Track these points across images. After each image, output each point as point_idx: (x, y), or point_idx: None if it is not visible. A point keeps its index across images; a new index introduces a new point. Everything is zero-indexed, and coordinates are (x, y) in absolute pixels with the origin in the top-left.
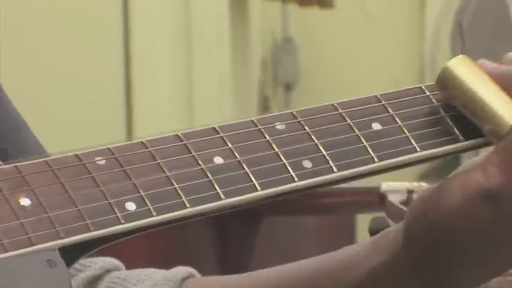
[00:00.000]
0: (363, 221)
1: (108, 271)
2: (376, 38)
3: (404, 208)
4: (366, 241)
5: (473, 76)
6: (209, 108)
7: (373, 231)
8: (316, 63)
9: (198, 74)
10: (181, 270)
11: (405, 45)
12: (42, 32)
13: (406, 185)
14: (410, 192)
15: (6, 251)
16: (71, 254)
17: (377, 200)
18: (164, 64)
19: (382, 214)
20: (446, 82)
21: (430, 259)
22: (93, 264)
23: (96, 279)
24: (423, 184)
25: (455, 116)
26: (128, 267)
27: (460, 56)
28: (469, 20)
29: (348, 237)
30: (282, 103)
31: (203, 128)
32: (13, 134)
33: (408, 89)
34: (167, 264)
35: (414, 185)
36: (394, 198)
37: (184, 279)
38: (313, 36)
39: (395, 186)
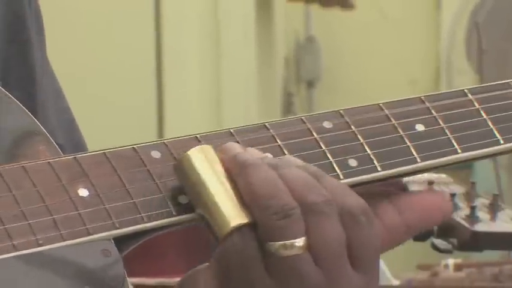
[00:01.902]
0: None
1: None
2: (394, 37)
3: None
4: None
5: (207, 168)
6: (235, 104)
7: None
8: (337, 62)
9: (225, 72)
10: None
11: (422, 45)
12: (76, 34)
13: (426, 176)
14: (430, 183)
15: (64, 240)
16: (124, 243)
17: (398, 190)
18: (193, 63)
19: None
20: (182, 170)
21: None
22: None
23: None
24: (443, 175)
25: (496, 118)
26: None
27: (203, 146)
28: (484, 20)
29: None
30: (304, 100)
31: (254, 124)
32: (68, 130)
33: (451, 92)
34: (195, 254)
35: (435, 176)
36: (415, 189)
37: None
38: (334, 36)
39: (416, 177)
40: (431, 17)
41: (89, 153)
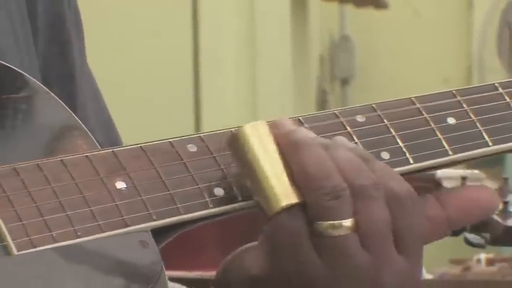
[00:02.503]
0: None
1: None
2: (426, 36)
3: None
4: None
5: (261, 145)
6: (271, 101)
7: None
8: (371, 60)
9: (261, 71)
10: None
11: (454, 44)
12: (115, 35)
13: (460, 172)
14: (463, 178)
15: (102, 231)
16: (161, 234)
17: (432, 185)
18: (230, 62)
19: None
20: (236, 145)
21: None
22: None
23: None
24: (476, 171)
25: None
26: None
27: (257, 122)
28: None
29: None
30: (338, 97)
31: (289, 118)
32: (106, 129)
33: (481, 86)
34: (237, 244)
35: (468, 172)
36: (449, 185)
37: None
38: (368, 35)
39: (450, 173)
40: (463, 16)
41: (126, 147)
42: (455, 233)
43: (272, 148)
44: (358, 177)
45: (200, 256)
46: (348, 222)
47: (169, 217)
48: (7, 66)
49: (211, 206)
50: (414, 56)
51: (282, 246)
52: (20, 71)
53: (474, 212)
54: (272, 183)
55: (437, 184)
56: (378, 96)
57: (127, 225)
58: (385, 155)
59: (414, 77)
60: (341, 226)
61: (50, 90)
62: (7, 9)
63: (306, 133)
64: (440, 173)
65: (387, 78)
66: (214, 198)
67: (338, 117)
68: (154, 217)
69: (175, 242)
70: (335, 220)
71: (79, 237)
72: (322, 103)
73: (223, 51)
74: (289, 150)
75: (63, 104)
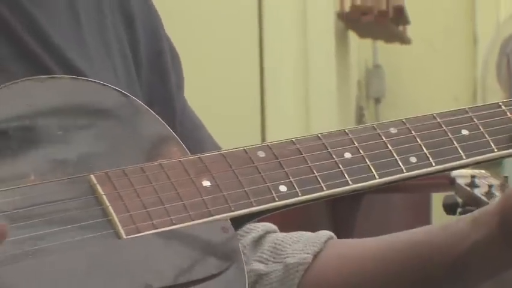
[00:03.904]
0: (436, 198)
1: (268, 232)
2: (440, 64)
3: (468, 188)
4: (466, 217)
5: None
6: (320, 116)
7: (445, 205)
8: (398, 83)
9: (313, 92)
10: (324, 234)
11: (462, 70)
12: (187, 54)
13: (470, 171)
14: (472, 176)
15: (192, 220)
16: (238, 222)
17: (448, 182)
18: (289, 84)
19: (452, 193)
20: None
21: None
22: (256, 228)
23: (260, 238)
24: (483, 171)
25: None
26: None
27: None
28: (511, 51)
29: (426, 209)
30: (372, 113)
31: (336, 130)
32: (195, 132)
33: (488, 104)
34: (293, 229)
35: (476, 171)
36: (461, 181)
37: (326, 241)
38: (395, 63)
39: (462, 172)
40: (469, 48)
41: (209, 154)
42: (450, 210)
43: None
44: None
45: None
46: None
47: (244, 208)
48: (117, 89)
49: (277, 200)
50: (431, 79)
51: None
52: (127, 93)
53: None
54: None
55: (452, 181)
56: (403, 111)
57: (211, 215)
58: (413, 159)
59: (431, 96)
60: None
61: (153, 109)
62: (108, 49)
63: None
64: (454, 172)
65: (410, 97)
66: (279, 193)
67: (375, 129)
68: (233, 208)
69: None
70: None
71: (174, 224)
72: (359, 117)
73: (284, 77)
74: None
75: (160, 119)
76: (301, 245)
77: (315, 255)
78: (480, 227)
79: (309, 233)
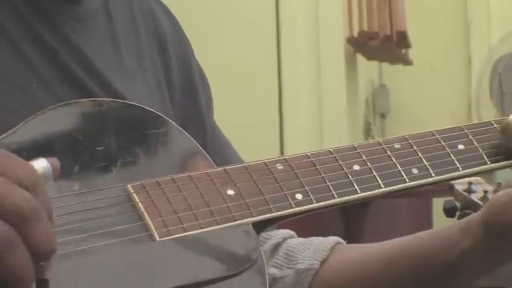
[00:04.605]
0: (437, 202)
1: (285, 239)
2: (439, 83)
3: (466, 194)
4: (454, 226)
5: None
6: (332, 131)
7: (445, 209)
8: (401, 101)
9: (325, 109)
10: (332, 239)
11: (458, 88)
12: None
13: (467, 178)
14: (469, 183)
15: (218, 224)
16: (259, 226)
17: (447, 188)
18: (304, 102)
19: (451, 198)
20: (507, 131)
21: (500, 246)
22: (275, 235)
23: (277, 245)
24: (478, 178)
25: None
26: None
27: None
28: (502, 71)
29: (428, 213)
30: (379, 127)
31: (345, 145)
32: (223, 150)
33: (482, 122)
34: (309, 233)
35: (472, 178)
36: (459, 187)
37: (333, 246)
38: (399, 83)
39: (460, 180)
40: (465, 69)
41: (233, 166)
42: (450, 213)
43: None
44: None
45: None
46: None
47: (264, 214)
48: (152, 111)
49: (293, 206)
50: (431, 96)
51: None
52: (161, 114)
53: None
54: None
55: (451, 187)
56: (406, 125)
57: (235, 220)
58: (415, 171)
59: (431, 111)
60: None
61: (186, 128)
62: (144, 73)
63: None
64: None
65: (412, 113)
66: (295, 201)
67: (381, 144)
68: (254, 214)
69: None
70: None
71: (202, 228)
72: (367, 131)
73: (300, 95)
74: None
75: (190, 137)
76: (311, 251)
77: (323, 261)
78: (467, 235)
79: (319, 239)
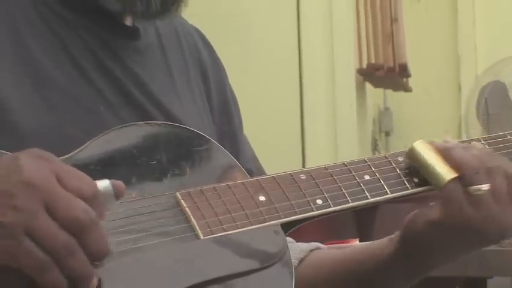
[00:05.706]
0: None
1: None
2: (434, 106)
3: None
4: (389, 236)
5: (427, 152)
6: (345, 146)
7: None
8: (402, 121)
9: (340, 128)
10: (312, 245)
11: (449, 110)
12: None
13: None
14: None
15: (252, 225)
16: (286, 227)
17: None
18: (322, 122)
19: None
20: (412, 155)
21: (413, 253)
22: (304, 249)
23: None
24: None
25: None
26: (305, 232)
27: (421, 140)
28: (488, 95)
29: None
30: (384, 143)
31: (357, 159)
32: (253, 164)
33: (470, 139)
34: (328, 231)
35: None
36: None
37: (311, 250)
38: (400, 106)
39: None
40: (456, 94)
41: (264, 177)
42: None
43: (431, 151)
44: (490, 161)
45: (303, 237)
46: (486, 187)
47: (290, 216)
48: (197, 132)
49: (314, 210)
50: (427, 117)
51: (452, 203)
52: (203, 134)
53: None
54: (438, 169)
55: None
56: (407, 142)
57: (266, 221)
58: (416, 180)
59: (427, 130)
60: (481, 189)
61: (223, 144)
62: (193, 96)
63: (451, 142)
64: None
65: (412, 131)
66: (316, 205)
67: (387, 158)
68: (282, 216)
69: (292, 233)
70: (479, 185)
71: (239, 228)
72: (374, 147)
73: (318, 118)
74: (443, 150)
75: (228, 153)
76: (296, 252)
77: (300, 261)
78: (391, 244)
79: (305, 244)
